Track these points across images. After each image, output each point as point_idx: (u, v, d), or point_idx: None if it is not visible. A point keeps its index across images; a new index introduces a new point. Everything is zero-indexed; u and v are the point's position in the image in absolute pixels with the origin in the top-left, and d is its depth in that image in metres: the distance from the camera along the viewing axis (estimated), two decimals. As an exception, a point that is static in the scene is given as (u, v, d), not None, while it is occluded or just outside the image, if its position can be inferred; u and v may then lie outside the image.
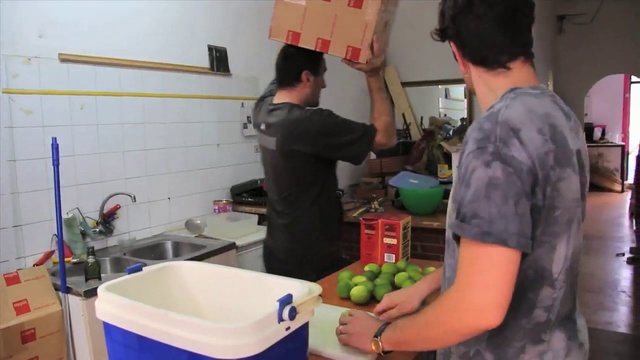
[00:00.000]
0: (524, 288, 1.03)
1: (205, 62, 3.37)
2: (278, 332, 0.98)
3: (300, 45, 2.11)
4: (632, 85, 10.93)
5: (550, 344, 1.07)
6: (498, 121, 0.99)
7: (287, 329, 1.00)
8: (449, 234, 1.13)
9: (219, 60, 3.45)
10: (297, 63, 2.19)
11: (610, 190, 9.92)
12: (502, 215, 0.94)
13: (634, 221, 7.19)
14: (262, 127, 2.25)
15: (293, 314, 0.98)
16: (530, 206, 0.97)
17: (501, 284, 0.94)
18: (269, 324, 0.96)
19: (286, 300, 0.98)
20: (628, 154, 10.50)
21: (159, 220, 3.07)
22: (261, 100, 2.42)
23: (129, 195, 2.68)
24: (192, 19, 3.27)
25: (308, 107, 2.20)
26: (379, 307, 1.51)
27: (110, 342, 1.11)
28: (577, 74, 9.24)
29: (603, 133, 10.72)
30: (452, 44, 1.18)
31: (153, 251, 2.84)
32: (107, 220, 2.72)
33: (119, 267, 2.60)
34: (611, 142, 10.62)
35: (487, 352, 1.08)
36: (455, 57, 1.20)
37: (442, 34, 1.19)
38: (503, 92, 1.09)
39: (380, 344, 1.21)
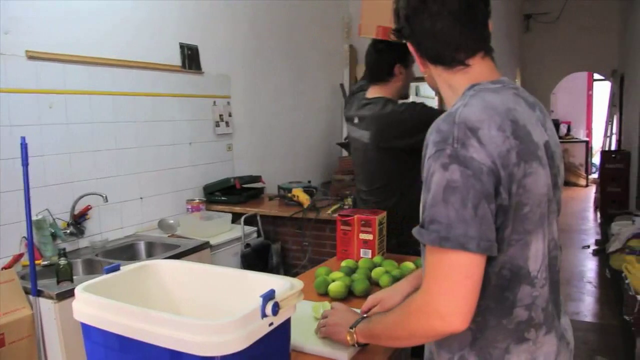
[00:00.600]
0: (501, 288, 1.02)
1: (176, 59, 3.33)
2: (261, 327, 0.97)
3: (391, 39, 2.08)
4: (595, 83, 11.24)
5: (537, 343, 1.06)
6: (455, 122, 0.97)
7: (271, 324, 0.99)
8: None
9: (190, 58, 3.42)
10: (389, 58, 2.20)
11: (576, 185, 10.18)
12: (461, 219, 0.92)
13: (598, 214, 7.40)
14: (355, 120, 2.32)
15: (276, 309, 0.98)
16: (496, 207, 0.96)
17: (465, 289, 0.93)
18: (253, 320, 0.96)
19: (269, 295, 0.98)
20: (592, 149, 10.80)
21: (132, 220, 3.03)
22: (352, 95, 2.48)
23: (101, 196, 2.64)
24: (163, 16, 3.23)
25: (401, 101, 2.22)
26: (364, 307, 1.49)
27: (89, 344, 1.09)
28: (543, 72, 9.45)
29: (568, 129, 10.99)
30: (409, 44, 1.16)
31: (126, 252, 2.80)
32: (78, 221, 2.67)
33: (92, 268, 2.55)
34: (576, 138, 10.91)
35: (472, 356, 1.07)
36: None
37: (399, 34, 1.16)
38: (464, 89, 1.08)
39: (354, 335, 1.22)
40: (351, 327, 1.23)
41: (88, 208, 2.71)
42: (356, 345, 1.24)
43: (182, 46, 3.37)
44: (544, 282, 1.06)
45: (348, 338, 1.24)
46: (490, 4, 1.11)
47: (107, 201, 2.66)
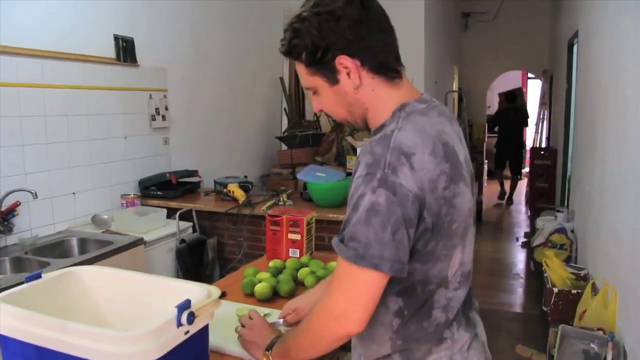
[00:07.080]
0: (424, 297, 1.09)
1: (111, 52, 3.28)
2: (177, 336, 1.02)
3: None
4: (529, 81, 11.71)
5: (453, 340, 1.13)
6: (390, 146, 0.99)
7: (186, 333, 1.04)
8: None
9: (125, 51, 3.37)
10: None
11: (508, 178, 10.57)
12: (379, 241, 0.96)
13: (528, 207, 7.75)
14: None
15: (191, 318, 1.03)
16: (418, 232, 1.00)
17: (364, 300, 1.00)
18: (168, 330, 1.00)
19: (184, 306, 1.03)
20: (525, 144, 11.25)
21: (64, 216, 2.98)
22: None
23: (30, 192, 2.58)
24: (97, 7, 3.16)
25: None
26: (280, 315, 1.52)
27: (6, 355, 1.10)
28: (480, 69, 9.75)
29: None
30: (345, 58, 1.07)
31: (57, 248, 2.75)
32: (6, 217, 2.61)
33: (20, 267, 2.50)
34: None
35: (396, 357, 1.13)
36: (330, 82, 1.12)
37: (334, 48, 1.07)
38: (393, 108, 1.09)
39: (270, 358, 1.24)
40: (267, 349, 1.25)
41: (16, 204, 2.65)
42: None
43: (117, 38, 3.31)
44: (457, 285, 1.13)
45: None
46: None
47: (36, 197, 2.61)
